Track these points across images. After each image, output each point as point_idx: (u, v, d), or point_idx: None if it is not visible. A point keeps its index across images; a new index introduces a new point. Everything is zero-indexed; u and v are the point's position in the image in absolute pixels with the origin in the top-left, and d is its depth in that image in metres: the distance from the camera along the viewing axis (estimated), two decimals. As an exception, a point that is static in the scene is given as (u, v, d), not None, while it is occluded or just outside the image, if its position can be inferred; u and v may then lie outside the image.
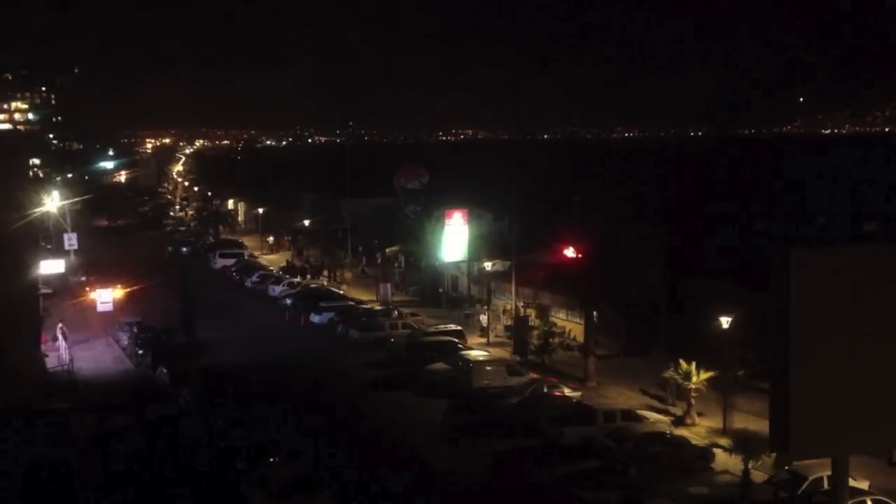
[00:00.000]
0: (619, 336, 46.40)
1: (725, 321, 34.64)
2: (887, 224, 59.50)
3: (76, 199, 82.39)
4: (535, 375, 41.31)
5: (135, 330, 48.11)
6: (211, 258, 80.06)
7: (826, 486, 26.09)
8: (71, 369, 43.84)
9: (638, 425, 33.25)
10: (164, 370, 41.24)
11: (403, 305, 59.03)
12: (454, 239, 58.75)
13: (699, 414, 36.13)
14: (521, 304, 52.47)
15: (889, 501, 26.53)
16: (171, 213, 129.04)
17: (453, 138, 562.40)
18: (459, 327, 50.30)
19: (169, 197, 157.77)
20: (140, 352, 46.02)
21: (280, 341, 50.91)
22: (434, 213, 63.13)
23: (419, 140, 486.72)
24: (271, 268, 75.25)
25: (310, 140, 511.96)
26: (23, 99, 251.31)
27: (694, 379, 35.64)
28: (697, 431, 34.79)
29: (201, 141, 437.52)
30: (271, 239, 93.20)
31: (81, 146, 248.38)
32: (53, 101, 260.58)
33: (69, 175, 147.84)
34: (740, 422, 34.74)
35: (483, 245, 58.46)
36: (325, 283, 67.59)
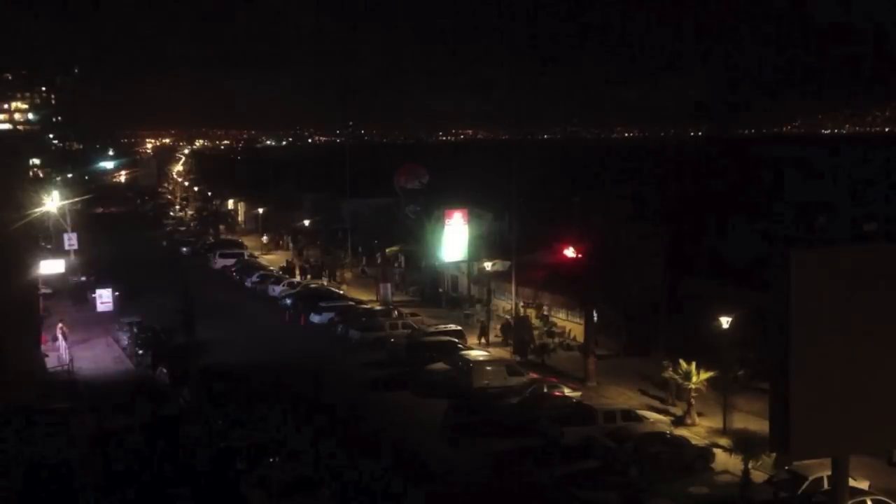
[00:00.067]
0: (619, 336, 46.39)
1: (725, 321, 34.64)
2: (887, 224, 59.49)
3: (76, 199, 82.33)
4: (535, 375, 41.32)
5: (135, 330, 48.13)
6: (211, 258, 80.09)
7: (826, 486, 26.09)
8: (71, 369, 43.84)
9: (638, 425, 33.25)
10: (164, 370, 41.24)
11: (403, 305, 59.04)
12: (454, 239, 58.75)
13: (699, 414, 36.13)
14: (521, 304, 52.48)
15: (889, 501, 26.53)
16: (171, 213, 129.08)
17: (453, 138, 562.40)
18: (459, 327, 50.30)
19: (169, 197, 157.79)
20: (140, 352, 46.01)
21: (280, 341, 50.91)
22: (434, 213, 63.12)
23: (419, 140, 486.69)
24: (271, 268, 75.26)
25: (310, 140, 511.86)
26: (23, 99, 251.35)
27: (694, 379, 35.64)
28: (697, 431, 34.79)
29: (201, 141, 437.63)
30: (266, 238, 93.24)
31: (81, 146, 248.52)
32: (53, 101, 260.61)
33: (69, 175, 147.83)
34: (740, 422, 34.74)
35: (483, 245, 58.46)
36: (325, 283, 67.58)
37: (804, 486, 27.12)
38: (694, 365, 35.76)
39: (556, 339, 48.18)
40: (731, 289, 39.69)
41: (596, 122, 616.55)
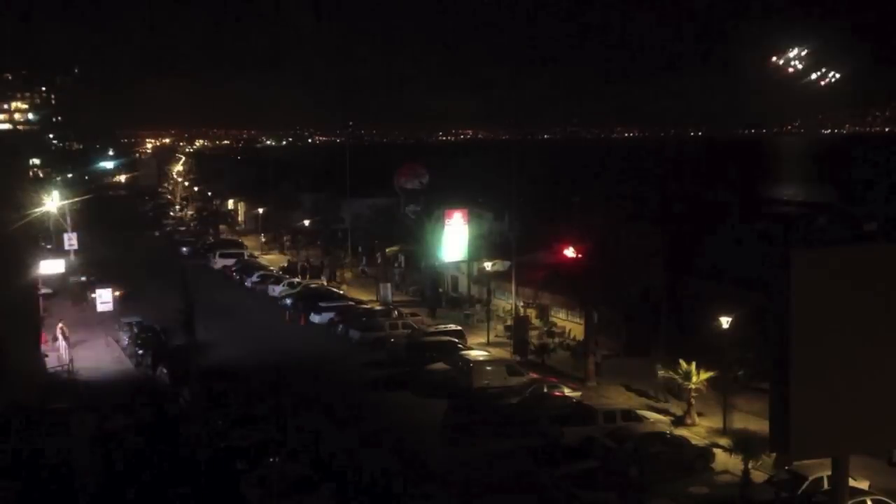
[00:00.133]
0: (619, 336, 46.40)
1: (725, 321, 34.65)
2: (887, 224, 59.46)
3: (76, 199, 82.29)
4: (535, 375, 41.33)
5: (135, 330, 48.14)
6: (211, 258, 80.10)
7: (826, 486, 26.09)
8: (71, 369, 43.85)
9: (638, 425, 33.27)
10: (164, 370, 41.24)
11: (403, 305, 59.04)
12: (454, 239, 58.76)
13: (699, 414, 36.14)
14: (521, 304, 52.51)
15: (889, 501, 26.55)
16: (171, 213, 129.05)
17: (453, 138, 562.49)
18: (459, 327, 50.30)
19: (169, 197, 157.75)
20: (140, 352, 46.01)
21: (280, 341, 50.90)
22: (434, 213, 63.14)
23: (419, 140, 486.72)
24: (271, 268, 75.26)
25: (310, 140, 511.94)
26: (23, 99, 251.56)
27: (694, 379, 35.65)
28: (697, 431, 34.81)
29: (201, 141, 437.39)
30: (263, 238, 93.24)
31: (81, 146, 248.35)
32: (53, 101, 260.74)
33: (69, 175, 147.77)
34: (740, 422, 34.75)
35: (483, 245, 58.47)
36: (325, 283, 67.59)
37: (804, 486, 27.13)
38: (694, 365, 35.77)
39: (556, 339, 48.22)
40: (731, 289, 39.69)
41: (596, 122, 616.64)
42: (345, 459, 31.35)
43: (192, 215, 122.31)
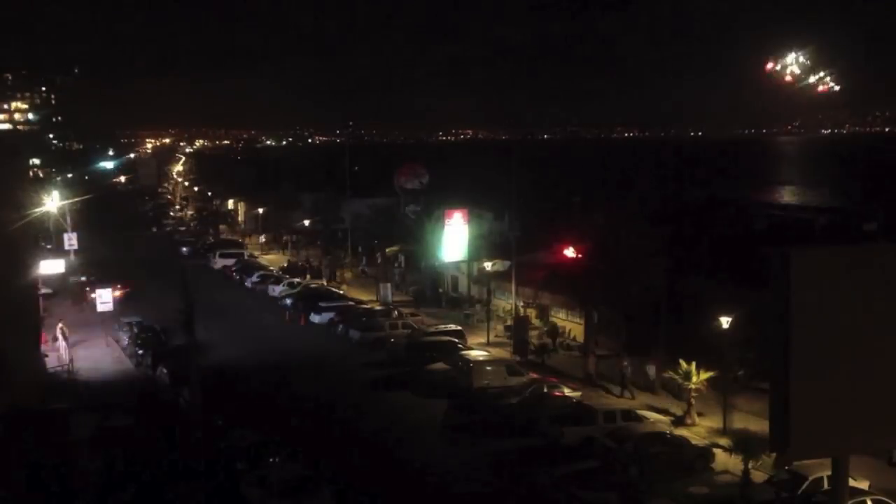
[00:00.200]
0: (619, 336, 46.35)
1: (725, 321, 34.64)
2: (887, 224, 59.40)
3: (76, 199, 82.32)
4: (535, 375, 41.32)
5: (135, 330, 48.13)
6: (211, 258, 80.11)
7: (826, 486, 26.08)
8: (71, 369, 43.84)
9: (638, 425, 33.26)
10: (164, 370, 41.24)
11: (403, 305, 59.04)
12: (454, 239, 58.75)
13: (699, 414, 36.13)
14: (521, 304, 52.49)
15: (889, 501, 26.54)
16: (171, 213, 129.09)
17: (453, 138, 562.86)
18: (459, 327, 50.29)
19: (169, 197, 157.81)
20: (140, 352, 46.01)
21: (280, 341, 50.91)
22: (434, 213, 63.12)
23: (419, 140, 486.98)
24: (271, 268, 75.26)
25: (310, 140, 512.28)
26: (23, 99, 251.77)
27: (694, 379, 35.64)
28: (697, 431, 34.80)
29: (201, 141, 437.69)
30: (263, 238, 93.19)
31: (81, 146, 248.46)
32: (53, 101, 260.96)
33: (69, 175, 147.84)
34: (740, 422, 34.74)
35: (483, 245, 58.46)
36: (325, 283, 67.59)
37: (804, 486, 27.12)
38: (694, 365, 35.76)
39: (556, 339, 48.19)
40: (732, 289, 39.66)
41: (596, 122, 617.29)
42: (344, 459, 31.37)
43: (192, 215, 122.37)
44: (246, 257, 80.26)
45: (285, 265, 76.32)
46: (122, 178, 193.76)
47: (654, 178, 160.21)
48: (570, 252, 44.79)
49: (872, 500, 26.38)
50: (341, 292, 63.40)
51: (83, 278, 63.79)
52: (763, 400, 24.60)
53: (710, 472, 30.91)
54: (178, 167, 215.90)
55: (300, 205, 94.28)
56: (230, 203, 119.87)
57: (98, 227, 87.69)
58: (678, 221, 53.15)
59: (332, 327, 53.05)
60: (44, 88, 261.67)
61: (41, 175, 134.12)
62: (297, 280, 67.30)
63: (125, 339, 48.75)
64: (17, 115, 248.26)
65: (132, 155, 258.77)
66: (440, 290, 62.70)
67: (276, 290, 64.26)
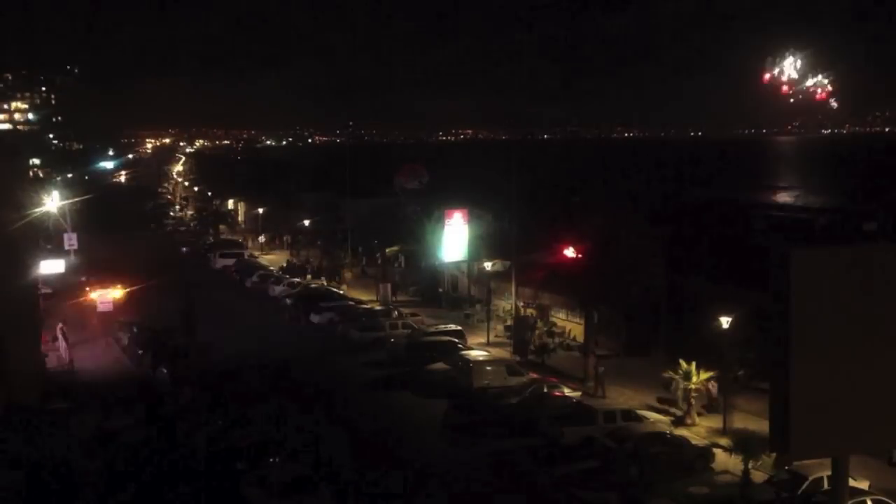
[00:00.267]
0: (619, 336, 46.39)
1: (725, 321, 34.63)
2: (887, 224, 59.34)
3: (76, 199, 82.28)
4: (535, 375, 41.31)
5: (135, 330, 48.10)
6: (211, 258, 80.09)
7: (826, 486, 26.08)
8: (71, 369, 43.83)
9: (638, 425, 33.25)
10: (164, 370, 41.23)
11: (403, 305, 59.02)
12: (454, 239, 58.74)
13: (699, 414, 36.11)
14: (521, 304, 52.47)
15: (889, 501, 26.53)
16: (171, 213, 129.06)
17: (453, 138, 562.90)
18: (459, 327, 50.27)
19: (169, 197, 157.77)
20: (140, 352, 45.99)
21: (280, 341, 50.86)
22: (434, 213, 63.12)
23: (419, 140, 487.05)
24: (271, 268, 75.25)
25: (310, 140, 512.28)
26: (23, 99, 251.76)
27: (694, 379, 35.63)
28: (697, 431, 34.78)
29: (201, 141, 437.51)
30: (262, 238, 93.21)
31: (81, 146, 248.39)
32: (53, 101, 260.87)
33: (69, 175, 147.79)
34: (740, 422, 34.73)
35: (483, 245, 58.45)
36: (325, 284, 67.58)
37: (804, 486, 27.11)
38: (694, 365, 35.75)
39: (556, 339, 48.18)
40: (731, 289, 39.66)
41: (596, 122, 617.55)
42: (345, 459, 31.36)
43: (192, 215, 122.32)
44: (246, 257, 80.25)
45: (285, 265, 76.30)
46: (123, 178, 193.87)
47: (654, 178, 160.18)
48: (570, 252, 44.78)
49: (872, 500, 26.37)
50: (341, 292, 63.39)
51: (83, 278, 63.79)
52: (763, 400, 24.61)
53: (710, 472, 30.90)
54: (178, 167, 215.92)
55: (300, 205, 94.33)
56: (230, 203, 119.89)
57: (98, 227, 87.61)
58: (678, 221, 53.13)
59: (332, 327, 53.03)
60: (44, 88, 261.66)
61: (41, 175, 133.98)
62: (297, 280, 67.32)
63: (125, 339, 48.73)
64: (17, 115, 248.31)
65: (132, 155, 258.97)
66: (440, 290, 62.68)
67: (276, 290, 64.25)
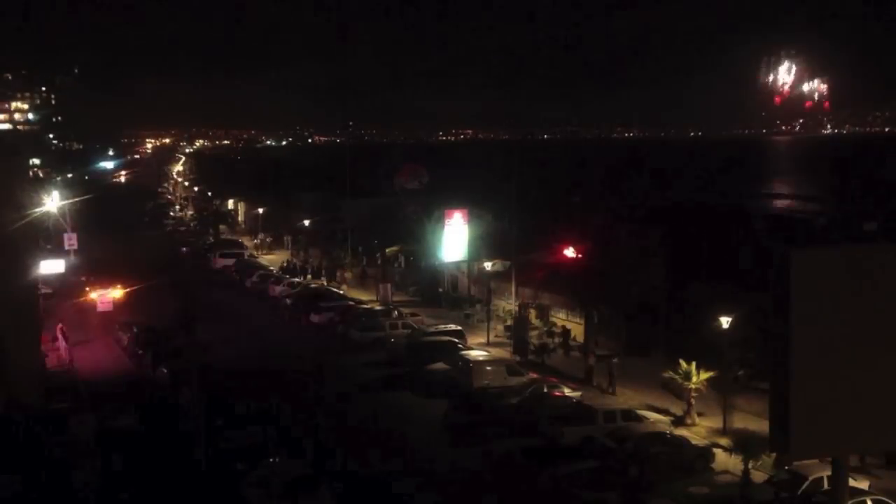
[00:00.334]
0: (619, 336, 46.39)
1: (725, 321, 34.63)
2: (887, 224, 59.42)
3: (76, 199, 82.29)
4: (535, 375, 41.31)
5: (135, 330, 48.09)
6: (211, 258, 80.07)
7: (826, 486, 26.08)
8: (71, 369, 43.82)
9: (638, 425, 33.25)
10: (164, 370, 41.21)
11: (403, 305, 59.00)
12: (454, 239, 58.74)
13: (699, 414, 36.12)
14: (517, 303, 52.46)
15: (889, 501, 26.53)
16: (171, 213, 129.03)
17: (453, 138, 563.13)
18: (459, 327, 50.26)
19: (169, 197, 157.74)
20: (140, 352, 45.99)
21: (280, 341, 50.87)
22: (434, 213, 63.12)
23: (419, 140, 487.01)
24: (271, 268, 75.24)
25: (310, 140, 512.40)
26: (23, 99, 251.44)
27: (694, 379, 35.63)
28: (697, 431, 34.78)
29: (201, 141, 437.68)
30: (260, 238, 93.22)
31: (81, 146, 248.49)
32: (53, 101, 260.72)
33: (69, 175, 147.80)
34: (740, 422, 34.73)
35: (483, 245, 58.45)
36: (325, 283, 67.57)
37: (804, 486, 27.11)
38: (694, 365, 35.75)
39: (556, 339, 48.19)
40: (731, 289, 39.67)
41: (596, 122, 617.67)
42: (345, 459, 31.36)
43: (192, 215, 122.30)
44: (246, 257, 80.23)
45: (284, 265, 76.29)
46: (123, 178, 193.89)
47: (654, 178, 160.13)
48: (569, 252, 44.80)
49: (872, 500, 26.38)
50: (341, 292, 63.38)
51: (83, 278, 63.78)
52: (763, 400, 24.62)
53: (710, 472, 30.90)
54: (178, 167, 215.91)
55: (300, 205, 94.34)
56: (230, 203, 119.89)
57: (98, 227, 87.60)
58: (678, 221, 53.17)
59: (332, 327, 53.01)
60: (44, 88, 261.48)
61: (41, 175, 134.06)
62: (297, 280, 67.30)
63: (125, 339, 48.72)
64: (17, 115, 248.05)
65: (132, 156, 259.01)
66: (440, 290, 62.67)
67: (276, 290, 64.23)
